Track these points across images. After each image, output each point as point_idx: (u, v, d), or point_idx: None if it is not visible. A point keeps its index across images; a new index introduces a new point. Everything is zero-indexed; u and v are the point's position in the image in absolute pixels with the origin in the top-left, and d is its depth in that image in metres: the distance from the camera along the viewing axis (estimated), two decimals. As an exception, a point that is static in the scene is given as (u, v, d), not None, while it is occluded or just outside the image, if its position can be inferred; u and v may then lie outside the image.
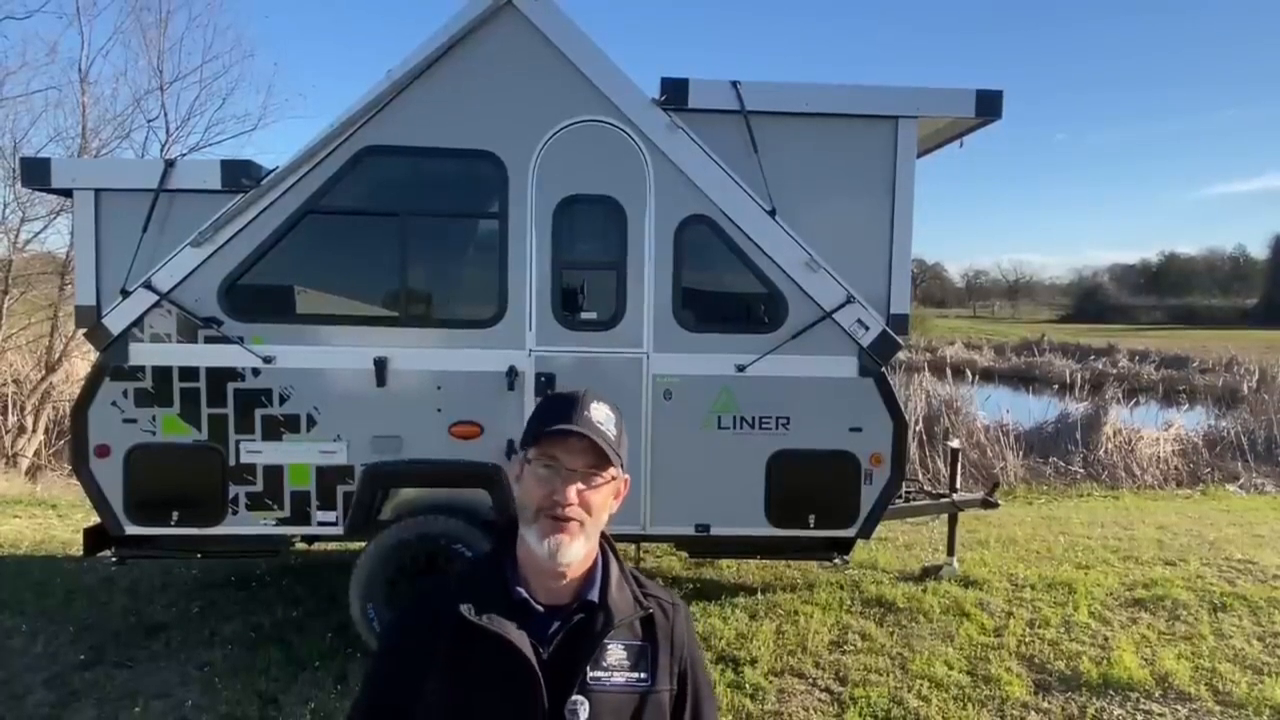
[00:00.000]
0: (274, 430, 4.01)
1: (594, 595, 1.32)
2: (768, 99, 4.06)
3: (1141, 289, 78.96)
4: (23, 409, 12.88)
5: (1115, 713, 3.66)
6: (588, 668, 1.27)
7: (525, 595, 1.29)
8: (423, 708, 1.27)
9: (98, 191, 3.95)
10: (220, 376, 3.99)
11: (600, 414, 1.30)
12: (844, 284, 4.11)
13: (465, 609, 1.25)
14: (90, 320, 3.97)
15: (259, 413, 4.01)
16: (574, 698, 1.25)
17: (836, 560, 4.38)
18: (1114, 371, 22.29)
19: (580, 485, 1.27)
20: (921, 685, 3.86)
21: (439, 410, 4.04)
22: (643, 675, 1.32)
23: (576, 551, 1.28)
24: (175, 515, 4.01)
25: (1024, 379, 24.32)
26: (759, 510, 4.16)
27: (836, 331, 4.12)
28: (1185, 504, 8.29)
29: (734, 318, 4.26)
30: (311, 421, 4.02)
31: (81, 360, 12.84)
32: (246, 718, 3.56)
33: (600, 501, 1.30)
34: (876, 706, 3.68)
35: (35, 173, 4.04)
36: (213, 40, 22.98)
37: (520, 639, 1.25)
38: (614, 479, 1.32)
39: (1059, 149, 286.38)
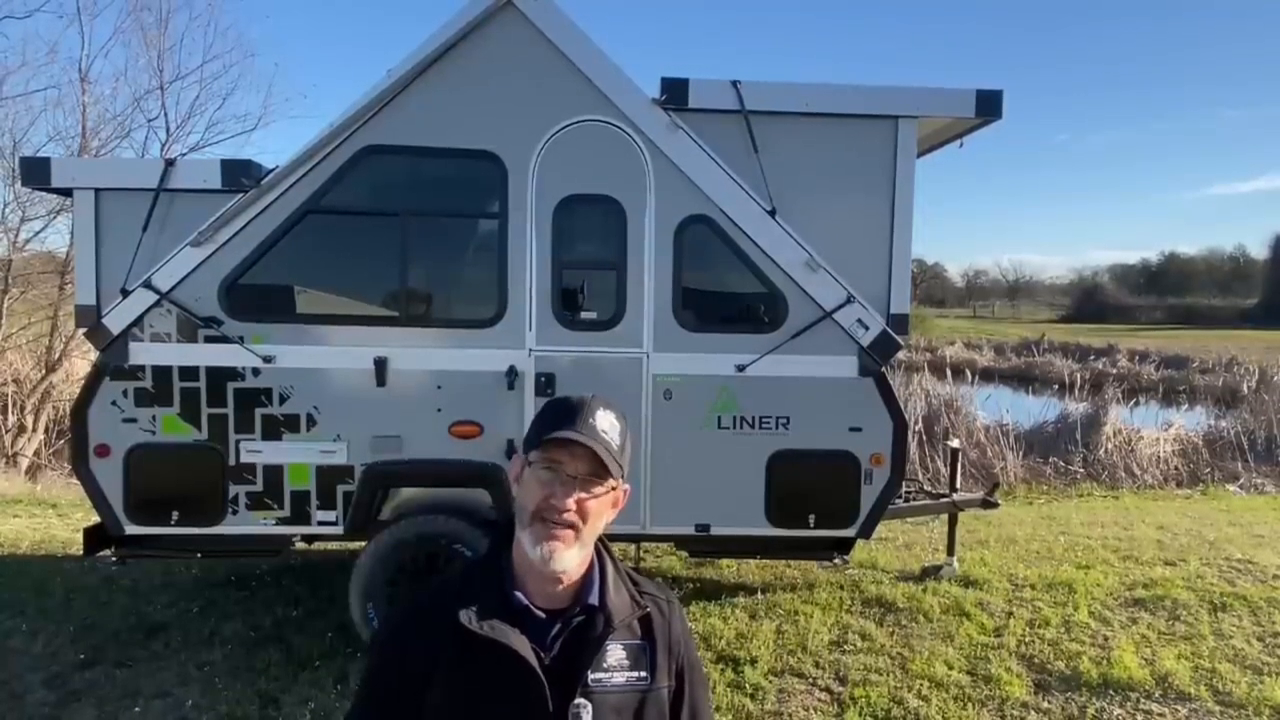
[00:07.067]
0: (274, 430, 4.01)
1: (593, 598, 1.31)
2: (768, 99, 4.06)
3: (1141, 289, 78.82)
4: (23, 409, 12.88)
5: (1115, 713, 3.66)
6: (589, 670, 1.27)
7: (525, 602, 1.29)
8: (426, 716, 1.26)
9: (98, 191, 3.95)
10: (220, 376, 3.99)
11: (605, 422, 1.30)
12: (844, 284, 4.11)
13: (465, 617, 1.24)
14: (90, 320, 3.97)
15: (259, 412, 4.01)
16: (577, 701, 1.25)
17: (836, 560, 4.38)
18: (1114, 371, 22.22)
19: (580, 493, 1.27)
20: (921, 685, 3.87)
21: (439, 410, 4.04)
22: (642, 674, 1.32)
23: (570, 559, 1.28)
24: (175, 515, 4.01)
25: (1024, 379, 24.31)
26: (759, 510, 4.16)
27: (836, 331, 4.12)
28: (1185, 504, 8.28)
29: (734, 318, 4.26)
30: (311, 421, 4.02)
31: (81, 360, 12.83)
32: (246, 718, 3.56)
33: (598, 510, 1.30)
34: (876, 706, 3.68)
35: (35, 172, 4.04)
36: (213, 40, 23.06)
37: (522, 645, 1.25)
38: (614, 489, 1.32)
39: (1060, 149, 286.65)
